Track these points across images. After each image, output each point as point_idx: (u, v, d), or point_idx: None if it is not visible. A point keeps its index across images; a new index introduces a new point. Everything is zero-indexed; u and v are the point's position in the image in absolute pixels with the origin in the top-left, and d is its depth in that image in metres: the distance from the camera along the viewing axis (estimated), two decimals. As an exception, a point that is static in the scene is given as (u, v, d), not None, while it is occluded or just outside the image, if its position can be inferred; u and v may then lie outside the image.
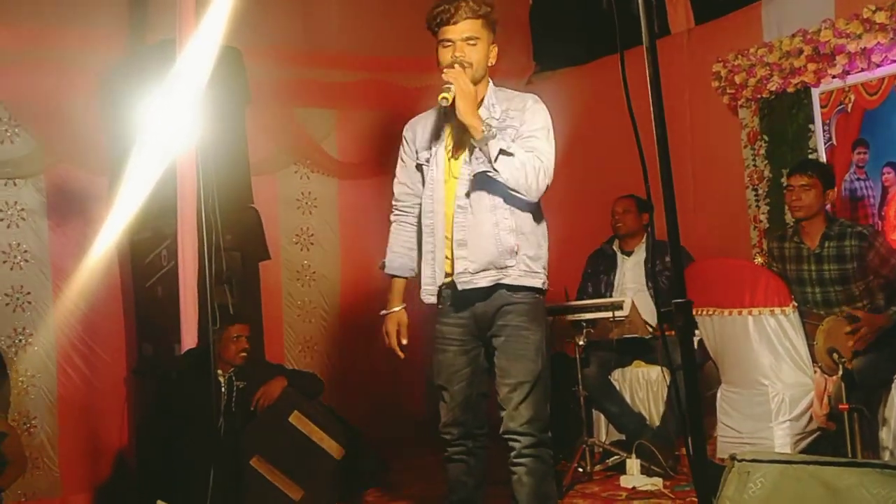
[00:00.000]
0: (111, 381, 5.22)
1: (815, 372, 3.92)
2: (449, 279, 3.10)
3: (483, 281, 3.03)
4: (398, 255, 3.31)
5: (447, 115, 3.10)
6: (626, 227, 5.08)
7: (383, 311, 3.30)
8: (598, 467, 4.65)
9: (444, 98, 2.91)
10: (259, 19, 4.76)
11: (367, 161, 6.02)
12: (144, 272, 5.00)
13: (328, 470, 4.45)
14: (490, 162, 2.92)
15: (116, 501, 5.01)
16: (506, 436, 3.05)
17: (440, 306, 3.17)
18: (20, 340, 5.04)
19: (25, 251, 5.07)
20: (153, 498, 4.23)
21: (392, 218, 3.35)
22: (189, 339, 4.22)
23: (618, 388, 4.95)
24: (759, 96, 5.07)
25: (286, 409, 4.44)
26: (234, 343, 4.42)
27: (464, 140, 3.06)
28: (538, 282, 3.09)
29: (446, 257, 3.09)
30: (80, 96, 5.11)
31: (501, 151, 2.91)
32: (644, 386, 4.93)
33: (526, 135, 3.04)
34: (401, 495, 4.63)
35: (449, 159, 3.12)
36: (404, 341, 3.25)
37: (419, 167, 3.20)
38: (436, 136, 3.16)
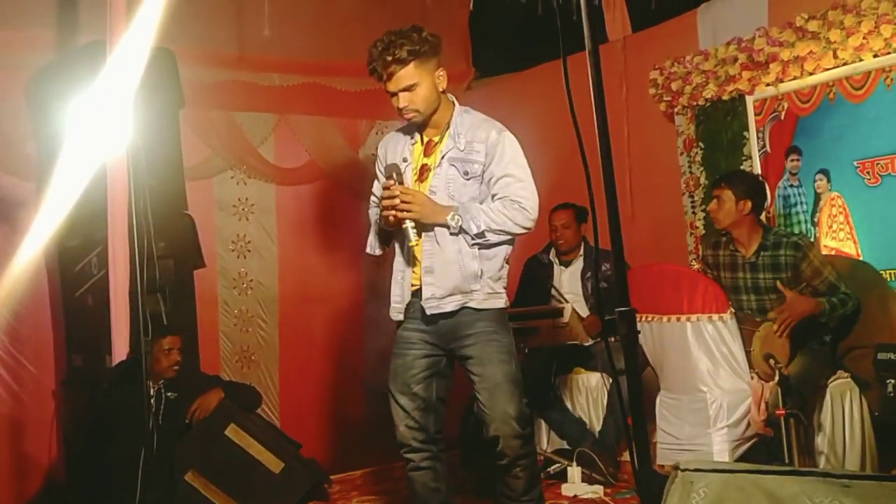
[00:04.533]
0: (39, 393, 5.05)
1: (753, 378, 3.96)
2: (416, 289, 3.11)
3: (449, 305, 3.07)
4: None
5: (416, 129, 3.13)
6: (567, 243, 5.01)
7: None
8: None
9: (414, 244, 3.00)
10: (193, 20, 4.66)
11: (305, 166, 5.95)
12: (74, 281, 4.85)
13: (266, 484, 4.36)
14: (473, 238, 3.02)
15: (45, 518, 4.86)
16: (495, 435, 3.05)
17: (406, 316, 3.17)
18: (-57, 352, 4.87)
19: (-52, 259, 4.89)
20: (83, 514, 4.11)
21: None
22: (120, 349, 4.10)
23: (559, 394, 4.95)
24: (694, 104, 5.12)
25: (222, 421, 4.34)
26: (166, 356, 4.33)
27: (430, 162, 3.10)
28: (501, 302, 3.15)
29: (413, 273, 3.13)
30: (6, 99, 4.94)
31: (477, 236, 3.01)
32: (584, 392, 4.93)
33: (498, 175, 3.07)
34: (340, 507, 4.56)
35: (416, 181, 3.11)
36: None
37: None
38: (403, 154, 3.15)
